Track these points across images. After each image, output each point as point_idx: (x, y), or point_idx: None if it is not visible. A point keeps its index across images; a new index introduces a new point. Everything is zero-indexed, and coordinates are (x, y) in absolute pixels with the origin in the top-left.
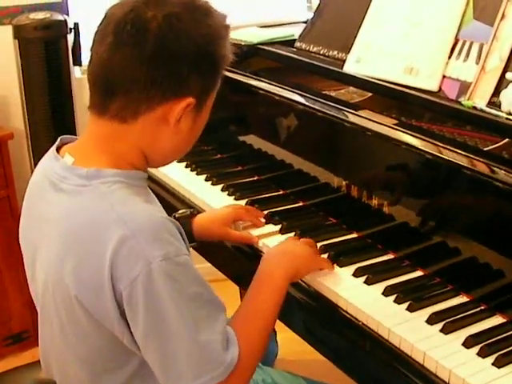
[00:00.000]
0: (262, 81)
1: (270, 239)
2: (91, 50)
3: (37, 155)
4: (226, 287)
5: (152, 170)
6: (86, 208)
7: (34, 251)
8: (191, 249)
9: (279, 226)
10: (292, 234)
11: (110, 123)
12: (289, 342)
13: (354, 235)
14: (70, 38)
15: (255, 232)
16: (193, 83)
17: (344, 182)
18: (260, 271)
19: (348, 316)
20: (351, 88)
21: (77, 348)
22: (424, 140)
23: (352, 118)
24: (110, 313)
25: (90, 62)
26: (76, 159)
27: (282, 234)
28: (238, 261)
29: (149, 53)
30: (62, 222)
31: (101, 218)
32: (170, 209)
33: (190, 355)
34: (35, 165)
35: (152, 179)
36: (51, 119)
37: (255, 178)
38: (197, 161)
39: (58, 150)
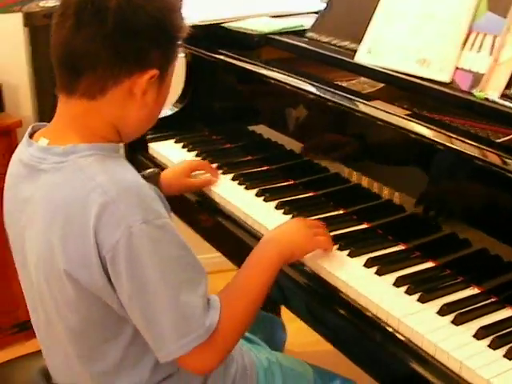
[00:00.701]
0: (272, 70)
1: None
2: (51, 33)
3: None
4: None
5: (162, 159)
6: (66, 182)
7: (22, 235)
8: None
9: (290, 216)
10: None
11: (79, 102)
12: (295, 332)
13: (365, 226)
14: None
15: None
16: (154, 55)
17: (355, 173)
18: (255, 249)
19: (358, 306)
20: (362, 79)
21: (73, 324)
22: (436, 131)
23: (364, 108)
24: (99, 280)
25: (52, 45)
26: (50, 140)
27: None
28: (235, 241)
29: (110, 30)
30: (45, 199)
31: (81, 189)
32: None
33: (171, 317)
34: None
35: (163, 169)
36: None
37: (265, 168)
38: (207, 150)
39: (30, 137)
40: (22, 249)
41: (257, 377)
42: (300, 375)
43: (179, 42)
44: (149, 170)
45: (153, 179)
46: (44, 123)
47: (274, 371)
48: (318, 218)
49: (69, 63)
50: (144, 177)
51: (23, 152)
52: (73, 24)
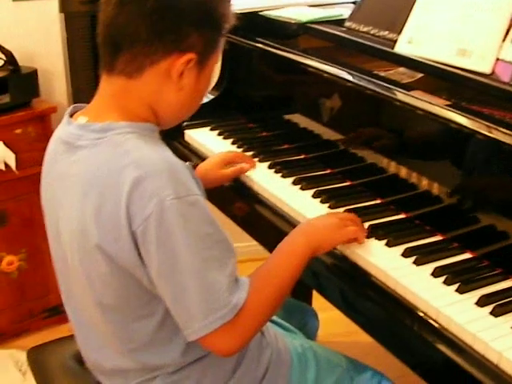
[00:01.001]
0: (310, 59)
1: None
2: (100, 12)
3: None
4: None
5: (198, 146)
6: (101, 157)
7: (57, 210)
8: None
9: (327, 205)
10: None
11: (118, 80)
12: (326, 323)
13: (402, 216)
14: None
15: None
16: (193, 39)
17: (392, 163)
18: (286, 238)
19: (397, 296)
20: (400, 69)
21: (106, 301)
22: (476, 121)
23: (403, 98)
24: (129, 255)
25: (99, 23)
26: (90, 118)
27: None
28: (273, 230)
29: (150, 8)
30: (81, 173)
31: (116, 163)
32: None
33: (198, 293)
34: None
35: (198, 155)
36: (95, 93)
37: (302, 157)
38: (243, 138)
39: (71, 117)
40: (56, 225)
41: (291, 362)
42: (333, 364)
43: (223, 32)
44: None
45: None
46: (85, 104)
47: (307, 358)
48: (355, 208)
49: (111, 40)
50: None
51: (63, 130)
52: (117, 1)
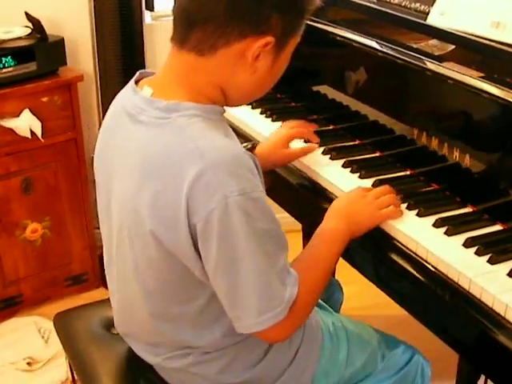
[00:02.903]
0: (340, 28)
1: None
2: None
3: (105, 99)
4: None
5: (229, 118)
6: (164, 140)
7: (110, 181)
8: None
9: (357, 174)
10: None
11: (188, 56)
12: (351, 296)
13: (433, 187)
14: None
15: None
16: (273, 22)
17: (424, 134)
18: (325, 223)
19: (428, 266)
20: (432, 41)
21: (150, 283)
22: (509, 92)
23: (435, 68)
24: (184, 245)
25: None
26: (154, 91)
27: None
28: (302, 199)
29: None
30: (140, 153)
31: (179, 150)
32: None
33: (255, 289)
34: (103, 109)
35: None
36: (121, 63)
37: (331, 127)
38: (271, 108)
39: (136, 83)
40: (108, 196)
41: (322, 341)
42: (365, 340)
43: (306, 15)
44: (244, 144)
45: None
46: (152, 71)
47: (339, 336)
48: (385, 179)
49: (185, 14)
50: None
51: (128, 99)
52: None
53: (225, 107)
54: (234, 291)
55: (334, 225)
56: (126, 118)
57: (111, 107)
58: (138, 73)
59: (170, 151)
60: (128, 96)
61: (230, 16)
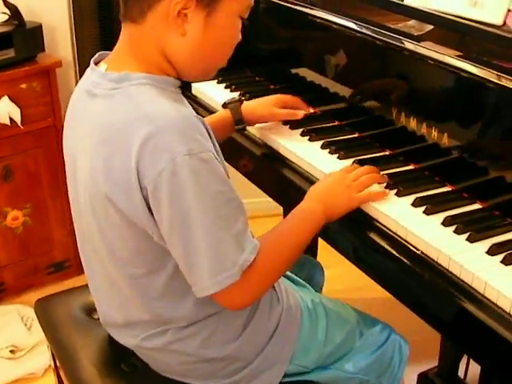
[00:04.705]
0: (317, 10)
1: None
2: None
3: None
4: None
5: (205, 99)
6: (115, 109)
7: (74, 159)
8: None
9: (336, 156)
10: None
11: (130, 27)
12: (334, 278)
13: (411, 167)
14: None
15: None
16: None
17: (402, 114)
18: (302, 203)
19: (407, 244)
20: (410, 22)
21: (118, 252)
22: (487, 70)
23: (413, 47)
24: (139, 209)
25: None
26: (109, 66)
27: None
28: (282, 181)
29: None
30: (94, 123)
31: (128, 116)
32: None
33: (207, 252)
34: None
35: (205, 108)
36: (100, 49)
37: (310, 110)
38: (250, 91)
39: (97, 64)
40: (73, 175)
41: (301, 318)
42: (343, 318)
43: None
44: (231, 97)
45: (233, 105)
46: (110, 52)
47: (318, 313)
48: (364, 159)
49: None
50: (225, 104)
51: (86, 78)
52: None
53: (193, 88)
54: (187, 254)
55: (308, 204)
56: (84, 95)
57: (73, 92)
58: (97, 54)
59: (119, 117)
60: (86, 76)
61: None
